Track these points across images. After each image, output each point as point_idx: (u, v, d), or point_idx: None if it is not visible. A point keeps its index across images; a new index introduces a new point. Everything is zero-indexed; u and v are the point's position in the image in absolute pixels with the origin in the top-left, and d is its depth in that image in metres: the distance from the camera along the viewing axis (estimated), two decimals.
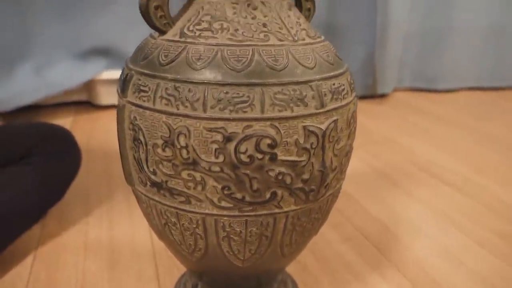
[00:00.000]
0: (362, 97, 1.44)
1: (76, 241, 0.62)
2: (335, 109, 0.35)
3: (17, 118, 1.11)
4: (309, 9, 0.44)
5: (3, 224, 0.53)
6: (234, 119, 0.31)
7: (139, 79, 0.34)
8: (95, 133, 1.06)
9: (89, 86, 1.23)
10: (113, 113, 1.19)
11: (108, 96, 1.25)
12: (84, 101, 1.29)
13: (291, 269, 0.57)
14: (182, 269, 0.55)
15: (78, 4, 1.11)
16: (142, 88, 0.34)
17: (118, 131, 0.38)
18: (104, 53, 1.18)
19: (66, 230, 0.64)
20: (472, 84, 1.61)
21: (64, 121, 1.15)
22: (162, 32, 0.35)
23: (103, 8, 1.12)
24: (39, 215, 0.60)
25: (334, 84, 0.35)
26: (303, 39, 0.36)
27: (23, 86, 1.07)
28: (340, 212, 0.72)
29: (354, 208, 0.73)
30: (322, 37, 0.39)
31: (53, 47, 1.13)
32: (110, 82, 1.22)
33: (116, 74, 1.18)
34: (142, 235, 0.64)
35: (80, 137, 0.70)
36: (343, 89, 0.36)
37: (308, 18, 0.44)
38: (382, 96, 1.48)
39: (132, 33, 0.98)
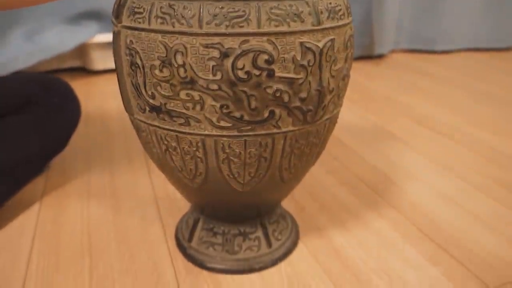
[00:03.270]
0: (360, 58, 1.44)
1: (80, 189, 0.62)
2: (331, 28, 0.35)
3: None
4: None
5: (7, 172, 0.54)
6: (230, 34, 0.31)
7: (133, 2, 0.34)
8: (92, 97, 1.05)
9: (83, 51, 1.22)
10: (108, 78, 1.20)
11: (102, 61, 1.24)
12: (78, 67, 1.29)
13: (289, 208, 0.58)
14: (184, 209, 0.56)
15: None
16: (136, 10, 0.34)
17: (115, 59, 0.38)
18: (96, 16, 1.17)
19: (69, 180, 0.65)
20: (470, 45, 1.60)
21: None
22: None
23: None
24: (42, 164, 0.61)
25: (330, 3, 0.35)
26: None
27: (17, 52, 1.06)
28: (337, 159, 0.72)
29: (351, 157, 0.74)
30: None
31: (44, 13, 1.12)
32: (103, 46, 1.21)
33: (108, 37, 1.17)
34: (143, 182, 0.64)
35: None
36: (340, 9, 0.36)
37: None
38: (379, 57, 1.48)
39: None
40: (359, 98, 1.06)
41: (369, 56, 1.44)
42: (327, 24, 0.34)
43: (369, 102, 1.02)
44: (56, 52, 1.09)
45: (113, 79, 1.20)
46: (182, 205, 0.58)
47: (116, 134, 0.82)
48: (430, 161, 0.73)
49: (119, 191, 0.62)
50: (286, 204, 0.59)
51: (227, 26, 0.31)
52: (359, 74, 1.28)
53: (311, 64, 0.34)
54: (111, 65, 1.25)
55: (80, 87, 1.14)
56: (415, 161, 0.73)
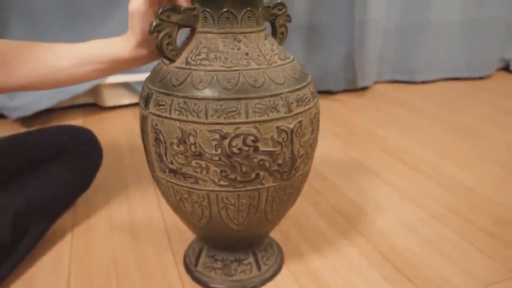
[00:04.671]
0: (344, 91, 1.57)
1: (103, 221, 0.75)
2: (300, 112, 0.48)
3: (35, 121, 1.24)
4: (282, 33, 0.58)
5: (46, 209, 0.67)
6: (227, 123, 0.45)
7: (158, 96, 0.48)
8: (105, 132, 1.19)
9: (95, 90, 1.36)
10: (118, 114, 1.34)
11: (113, 98, 1.38)
12: (91, 103, 1.42)
13: (276, 237, 0.71)
14: (190, 238, 0.69)
15: (82, 19, 1.24)
16: (160, 103, 0.47)
17: (142, 134, 0.51)
18: None
19: (94, 214, 0.78)
20: (448, 75, 1.74)
21: (75, 122, 1.28)
22: (172, 61, 0.49)
23: (104, 21, 1.25)
24: (72, 201, 0.74)
25: (299, 95, 0.48)
26: (276, 62, 0.49)
27: (39, 94, 1.20)
28: (318, 192, 0.86)
29: (331, 190, 0.87)
30: (291, 57, 0.52)
31: None
32: (113, 86, 1.35)
33: (118, 78, 1.31)
34: (155, 215, 0.77)
35: None
36: (306, 97, 0.49)
37: (282, 40, 0.58)
38: (364, 89, 1.61)
39: None
40: (341, 131, 1.19)
41: (353, 89, 1.58)
42: (296, 111, 0.48)
43: (349, 135, 1.16)
44: (74, 93, 1.23)
45: (122, 115, 1.33)
46: (188, 235, 0.70)
47: (129, 169, 0.95)
48: (397, 192, 0.86)
49: (136, 223, 0.75)
50: (274, 233, 0.72)
51: (225, 118, 0.45)
52: (343, 107, 1.42)
53: (285, 140, 0.47)
54: (120, 101, 1.38)
55: (92, 122, 1.28)
56: (385, 193, 0.86)
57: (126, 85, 1.37)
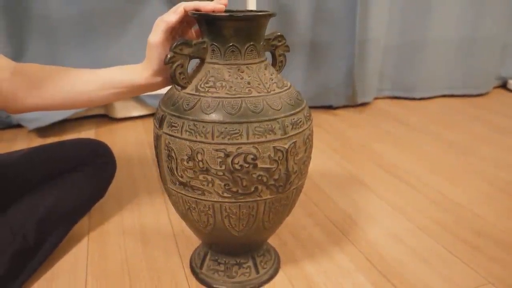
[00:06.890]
0: (345, 106, 1.64)
1: (116, 227, 0.82)
2: (294, 134, 0.55)
3: (50, 131, 1.32)
4: (281, 61, 0.65)
5: (66, 216, 0.74)
6: (230, 144, 0.52)
7: (171, 119, 0.55)
8: (116, 142, 1.26)
9: None
10: (128, 125, 1.42)
11: (123, 110, 1.46)
12: (102, 115, 1.50)
13: (274, 244, 0.77)
14: (196, 244, 0.76)
15: (95, 36, 1.32)
16: (173, 124, 0.54)
17: (156, 150, 0.58)
18: None
19: (108, 220, 0.85)
20: (446, 92, 1.81)
21: (88, 132, 1.36)
22: (184, 88, 0.56)
23: (116, 38, 1.34)
24: (88, 209, 0.81)
25: (293, 119, 0.55)
26: (274, 90, 0.56)
27: None
28: (315, 204, 0.92)
29: (327, 202, 0.94)
30: (288, 85, 0.60)
31: None
32: None
33: None
34: (164, 222, 0.84)
35: None
36: (300, 121, 0.56)
37: (281, 68, 0.65)
38: (364, 104, 1.68)
39: (137, 56, 1.20)
40: (340, 145, 1.26)
41: (353, 104, 1.64)
42: (291, 133, 0.55)
43: (347, 150, 1.23)
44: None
45: (132, 126, 1.41)
46: (194, 241, 0.77)
47: (139, 179, 1.02)
48: (388, 205, 0.93)
49: (146, 229, 0.82)
50: (272, 240, 0.78)
51: (228, 139, 0.52)
52: (343, 122, 1.48)
53: (280, 158, 0.54)
54: (130, 113, 1.46)
55: (104, 132, 1.35)
56: (377, 205, 0.93)
57: (136, 98, 1.45)
